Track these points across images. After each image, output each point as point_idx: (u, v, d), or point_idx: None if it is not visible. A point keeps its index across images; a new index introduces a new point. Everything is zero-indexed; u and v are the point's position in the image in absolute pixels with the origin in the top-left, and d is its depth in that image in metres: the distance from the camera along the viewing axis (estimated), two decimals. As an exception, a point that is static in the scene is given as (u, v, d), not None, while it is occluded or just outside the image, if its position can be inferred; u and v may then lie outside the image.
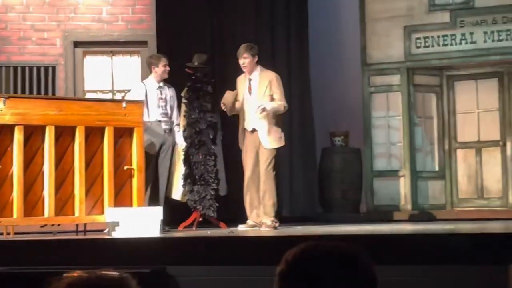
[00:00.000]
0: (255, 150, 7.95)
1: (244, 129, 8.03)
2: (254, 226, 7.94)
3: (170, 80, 8.24)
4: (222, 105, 8.06)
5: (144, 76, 9.11)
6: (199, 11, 10.13)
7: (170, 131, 8.25)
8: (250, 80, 8.01)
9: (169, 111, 8.19)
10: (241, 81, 8.12)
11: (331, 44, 10.42)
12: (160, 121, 8.11)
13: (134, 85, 8.46)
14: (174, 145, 8.28)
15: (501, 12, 9.53)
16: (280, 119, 8.06)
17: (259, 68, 8.04)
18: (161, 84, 8.17)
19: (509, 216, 9.20)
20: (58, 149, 7.39)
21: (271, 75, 8.03)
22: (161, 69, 8.08)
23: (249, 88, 8.01)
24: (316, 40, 10.40)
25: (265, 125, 7.88)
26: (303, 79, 10.34)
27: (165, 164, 8.18)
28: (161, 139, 8.09)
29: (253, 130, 7.94)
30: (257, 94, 7.96)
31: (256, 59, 8.01)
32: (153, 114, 8.05)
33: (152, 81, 8.14)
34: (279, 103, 7.88)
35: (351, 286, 1.57)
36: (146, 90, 8.07)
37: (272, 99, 7.91)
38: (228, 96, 8.09)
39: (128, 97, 8.22)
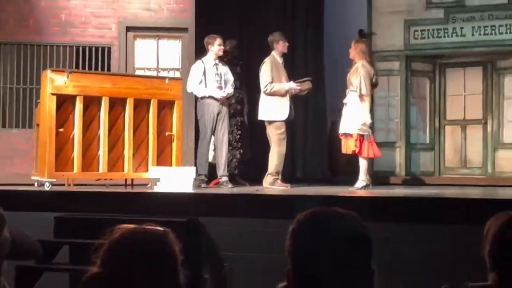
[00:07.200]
0: None
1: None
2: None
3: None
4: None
5: (184, 58, 9.14)
6: (230, 3, 10.11)
7: (225, 101, 7.90)
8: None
9: (223, 85, 7.84)
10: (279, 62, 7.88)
11: (343, 34, 10.34)
12: (215, 94, 7.75)
13: (195, 63, 8.02)
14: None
15: (487, 10, 9.42)
16: None
17: None
18: (217, 61, 7.86)
19: (487, 183, 9.19)
20: (111, 116, 7.46)
21: None
22: (216, 47, 7.80)
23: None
24: (329, 31, 10.41)
25: None
26: (318, 64, 10.35)
27: (224, 131, 7.82)
28: (217, 108, 7.77)
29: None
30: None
31: None
32: (210, 87, 7.74)
33: (209, 59, 7.83)
34: None
35: (350, 242, 1.60)
36: (204, 67, 7.79)
37: None
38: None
39: (191, 72, 7.87)
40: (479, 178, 9.55)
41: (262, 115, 7.81)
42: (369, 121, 7.41)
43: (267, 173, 7.72)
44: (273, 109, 7.72)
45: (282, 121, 7.71)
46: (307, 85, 7.95)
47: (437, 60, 9.98)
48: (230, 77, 7.99)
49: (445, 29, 9.66)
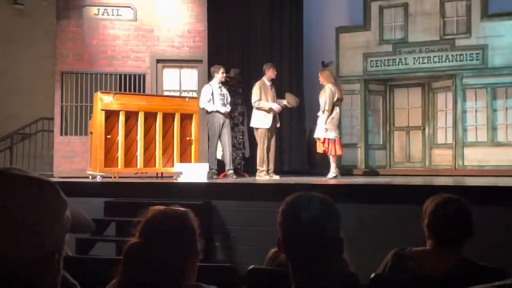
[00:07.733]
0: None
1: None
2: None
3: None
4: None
5: (199, 82, 9.12)
6: (234, 43, 10.14)
7: (227, 115, 7.84)
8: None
9: (225, 102, 7.79)
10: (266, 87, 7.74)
11: (318, 64, 10.36)
12: (220, 109, 7.69)
13: (204, 86, 7.90)
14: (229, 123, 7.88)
15: (424, 45, 9.45)
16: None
17: None
18: (220, 85, 7.80)
19: (425, 173, 9.20)
20: (146, 126, 7.45)
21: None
22: (220, 75, 7.73)
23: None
24: (308, 61, 10.41)
25: None
26: (299, 86, 10.34)
27: (228, 136, 7.72)
28: (222, 120, 7.70)
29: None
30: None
31: None
32: (216, 104, 7.66)
33: (215, 83, 7.74)
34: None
35: (325, 218, 1.59)
36: (212, 89, 7.71)
37: None
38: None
39: (202, 93, 7.77)
40: (419, 169, 9.57)
41: (251, 123, 7.83)
42: (323, 127, 7.41)
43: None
44: (259, 119, 7.68)
45: (264, 129, 7.65)
46: (293, 101, 7.93)
47: (388, 82, 9.99)
48: (229, 97, 8.02)
49: (393, 59, 9.67)
